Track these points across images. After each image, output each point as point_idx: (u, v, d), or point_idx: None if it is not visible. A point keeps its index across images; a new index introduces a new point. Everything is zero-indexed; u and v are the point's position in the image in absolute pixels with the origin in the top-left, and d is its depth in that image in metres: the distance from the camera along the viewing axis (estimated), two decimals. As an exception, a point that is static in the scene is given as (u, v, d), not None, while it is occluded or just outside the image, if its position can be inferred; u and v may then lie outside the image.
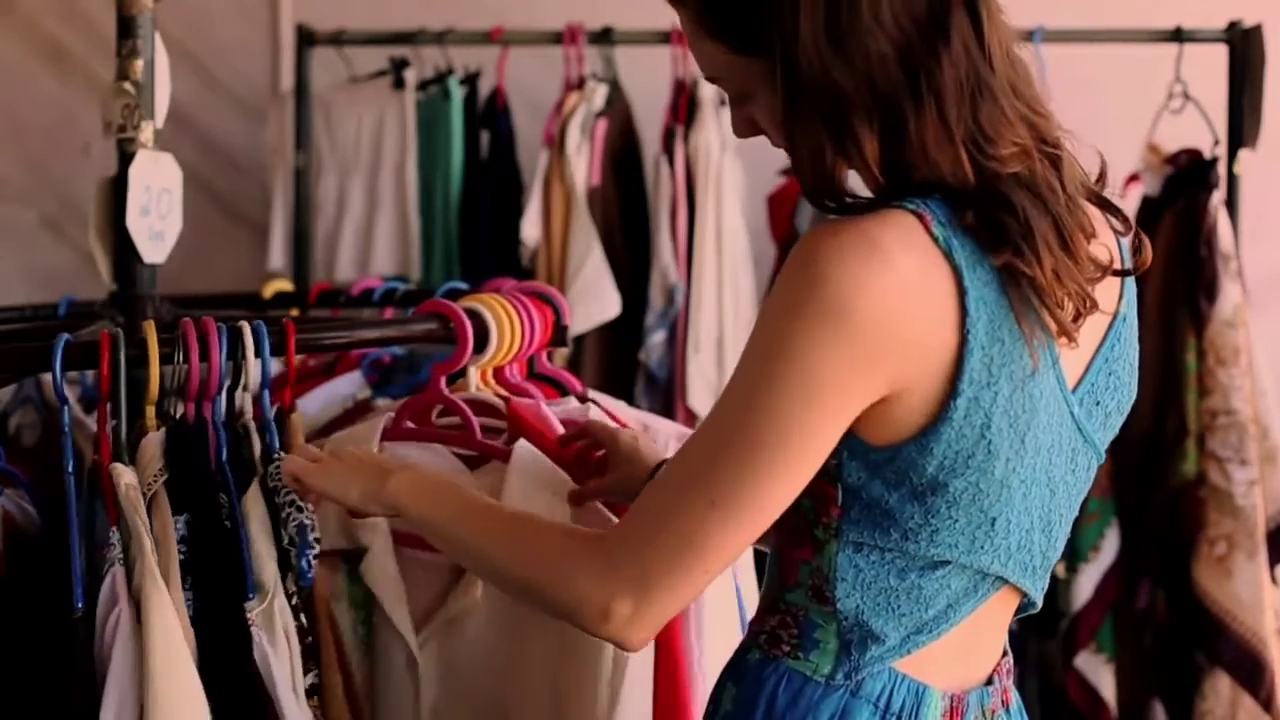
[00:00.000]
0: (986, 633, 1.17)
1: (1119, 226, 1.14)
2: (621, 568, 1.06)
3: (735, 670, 1.19)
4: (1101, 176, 1.17)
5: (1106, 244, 1.12)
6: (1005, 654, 1.21)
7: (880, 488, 1.07)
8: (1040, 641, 2.91)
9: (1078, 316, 1.07)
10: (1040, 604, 1.19)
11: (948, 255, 1.03)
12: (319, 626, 1.27)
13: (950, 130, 1.04)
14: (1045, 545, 1.15)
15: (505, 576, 1.18)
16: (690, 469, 1.06)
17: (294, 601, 1.25)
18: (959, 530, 1.08)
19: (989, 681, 1.18)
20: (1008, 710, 1.19)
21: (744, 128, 1.16)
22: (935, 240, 1.03)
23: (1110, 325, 1.15)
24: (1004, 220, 1.04)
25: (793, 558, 1.15)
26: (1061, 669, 2.86)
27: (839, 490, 1.09)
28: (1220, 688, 2.74)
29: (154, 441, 1.32)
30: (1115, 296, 1.15)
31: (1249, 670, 2.69)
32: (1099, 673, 2.83)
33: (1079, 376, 1.13)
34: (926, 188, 1.06)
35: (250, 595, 1.23)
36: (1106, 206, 1.14)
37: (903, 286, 1.01)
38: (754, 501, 1.04)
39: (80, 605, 1.22)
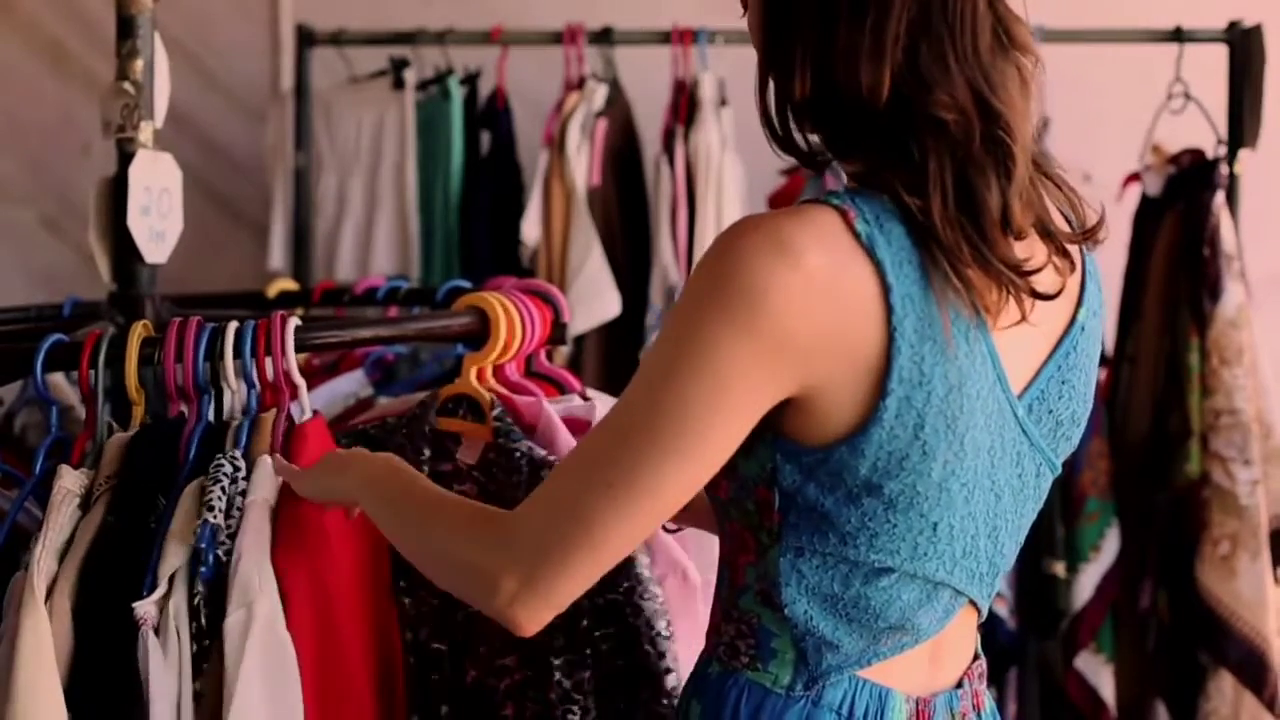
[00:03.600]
0: (953, 637, 1.16)
1: (1057, 263, 1.10)
2: (512, 543, 1.06)
3: (698, 685, 1.18)
4: (1094, 229, 1.14)
5: (1034, 253, 1.09)
6: (977, 657, 1.21)
7: (815, 491, 1.07)
8: (1040, 641, 2.91)
9: (1002, 296, 1.05)
10: (985, 613, 1.18)
11: (870, 252, 1.02)
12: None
13: (881, 48, 1.04)
14: (991, 551, 1.13)
15: (421, 553, 1.17)
16: (591, 452, 1.06)
17: (196, 602, 1.22)
18: (899, 535, 1.07)
19: (959, 685, 1.17)
20: (979, 714, 1.19)
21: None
22: (857, 237, 1.03)
23: (1065, 333, 1.14)
24: (902, 147, 1.04)
25: (739, 562, 1.14)
26: (1061, 669, 2.86)
27: (775, 494, 1.08)
28: (1224, 687, 2.74)
29: (115, 444, 1.31)
30: (1073, 303, 1.14)
31: (1253, 670, 2.69)
32: (1099, 673, 2.83)
33: (1028, 381, 1.12)
34: (846, 112, 1.06)
35: (145, 593, 1.21)
36: (1053, 244, 1.11)
37: (812, 284, 1.01)
38: (648, 489, 1.02)
39: None
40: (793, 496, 1.08)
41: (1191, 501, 2.76)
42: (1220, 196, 2.78)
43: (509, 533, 1.07)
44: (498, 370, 1.57)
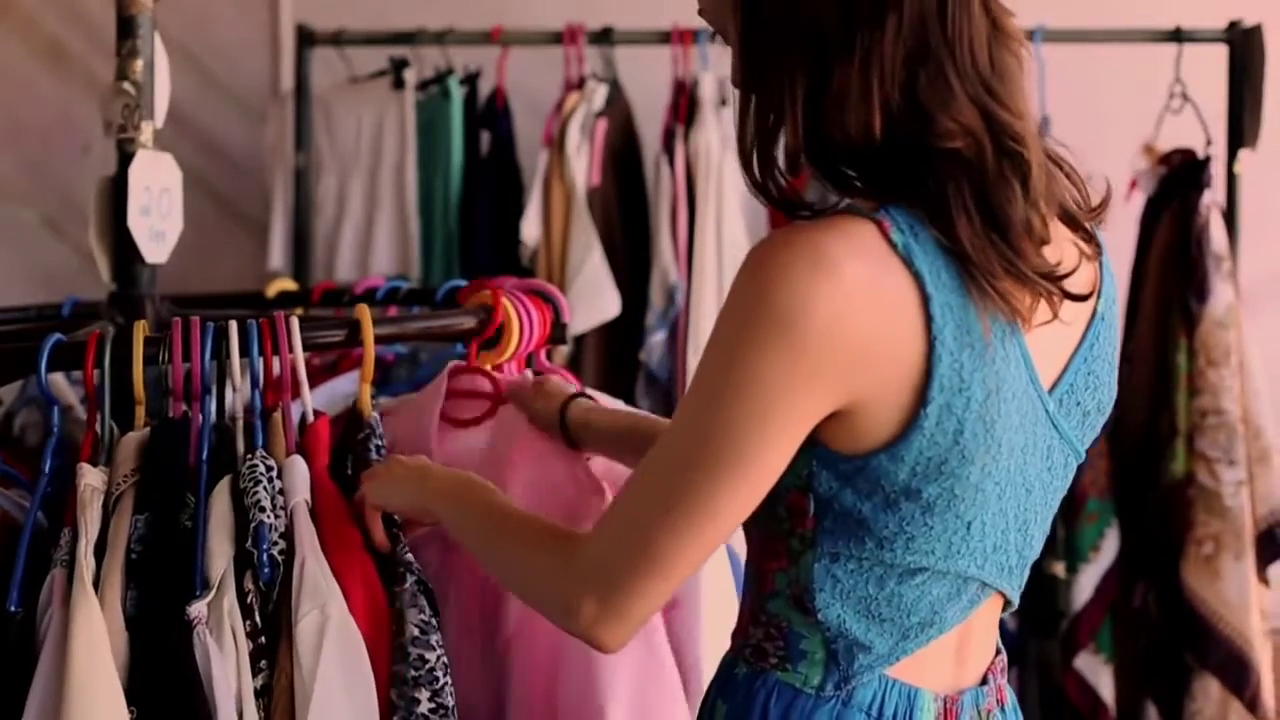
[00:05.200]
0: (979, 633, 1.17)
1: (1087, 251, 1.12)
2: (585, 568, 1.08)
3: (724, 686, 1.18)
4: (1100, 206, 1.15)
5: (1065, 255, 1.09)
6: (999, 652, 1.21)
7: (852, 497, 1.07)
8: (1040, 641, 2.91)
9: (1035, 301, 1.05)
10: (1016, 603, 1.18)
11: (907, 262, 1.01)
12: (280, 625, 1.24)
13: (870, 89, 1.02)
14: (1021, 544, 1.14)
15: (503, 575, 1.23)
16: (650, 477, 1.07)
17: (249, 600, 1.23)
18: (935, 537, 1.07)
19: (984, 681, 1.17)
20: (1003, 709, 1.19)
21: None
22: (894, 247, 1.02)
23: (1089, 324, 1.14)
24: (915, 179, 1.03)
25: (768, 567, 1.14)
26: (1061, 669, 2.87)
27: (811, 500, 1.08)
28: (1210, 689, 2.75)
29: (131, 441, 1.31)
30: (1094, 295, 1.14)
31: (1235, 672, 2.70)
32: (1098, 673, 2.83)
33: (1057, 375, 1.12)
34: (842, 154, 1.06)
35: (197, 593, 1.22)
36: (1078, 229, 1.12)
37: (851, 296, 1.00)
38: (707, 511, 1.04)
39: (16, 606, 1.23)
40: (829, 503, 1.08)
41: (1177, 501, 2.77)
42: (1209, 196, 2.78)
43: (581, 558, 1.09)
44: (496, 370, 1.57)
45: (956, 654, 1.15)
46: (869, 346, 1.01)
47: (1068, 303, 1.08)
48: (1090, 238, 1.12)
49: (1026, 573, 1.17)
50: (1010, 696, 1.21)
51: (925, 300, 1.02)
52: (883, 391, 1.02)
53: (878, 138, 1.03)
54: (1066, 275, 1.06)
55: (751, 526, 1.15)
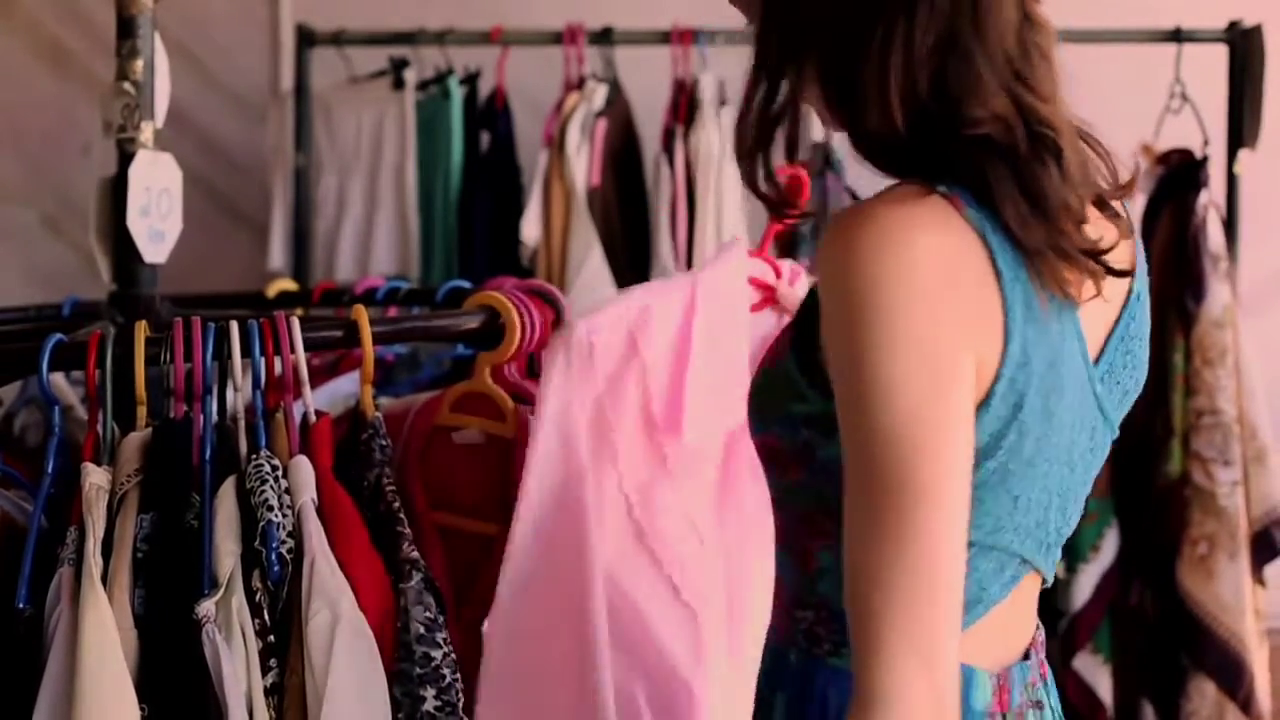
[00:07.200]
0: (1022, 609, 1.16)
1: (1118, 229, 1.13)
2: (884, 669, 0.96)
3: (780, 676, 1.15)
4: (1129, 183, 1.16)
5: (1104, 232, 1.10)
6: (1038, 627, 1.20)
7: None
8: (1039, 641, 2.91)
9: (1083, 278, 1.05)
10: (1051, 581, 1.18)
11: (982, 237, 1.02)
12: (290, 625, 1.25)
13: (887, 82, 1.02)
14: (1060, 522, 1.13)
15: None
16: (869, 534, 0.98)
17: (257, 599, 1.23)
18: (985, 511, 1.06)
19: (1026, 656, 1.16)
20: (1045, 682, 1.18)
21: None
22: (969, 222, 1.02)
23: (1125, 303, 1.14)
24: (953, 165, 1.03)
25: (812, 547, 1.12)
26: (1059, 669, 2.87)
27: None
28: (1206, 689, 2.75)
29: (134, 441, 1.32)
30: (1130, 273, 1.15)
31: (1229, 673, 2.70)
32: (1096, 674, 2.83)
33: (1098, 353, 1.12)
34: (874, 142, 1.06)
35: (205, 592, 1.22)
36: (1105, 209, 1.13)
37: (938, 269, 0.99)
38: (947, 497, 0.97)
39: (24, 604, 1.23)
40: None
41: (1173, 501, 2.77)
42: (1205, 196, 2.78)
43: (874, 668, 0.97)
44: (495, 370, 1.57)
45: (1005, 631, 1.14)
46: (969, 308, 1.00)
47: (1107, 280, 1.09)
48: (1118, 216, 1.13)
49: (1060, 550, 1.16)
50: (1049, 671, 1.20)
51: (998, 275, 1.02)
52: (981, 359, 1.01)
53: (901, 128, 1.03)
54: (1108, 250, 1.06)
55: (788, 506, 1.13)
